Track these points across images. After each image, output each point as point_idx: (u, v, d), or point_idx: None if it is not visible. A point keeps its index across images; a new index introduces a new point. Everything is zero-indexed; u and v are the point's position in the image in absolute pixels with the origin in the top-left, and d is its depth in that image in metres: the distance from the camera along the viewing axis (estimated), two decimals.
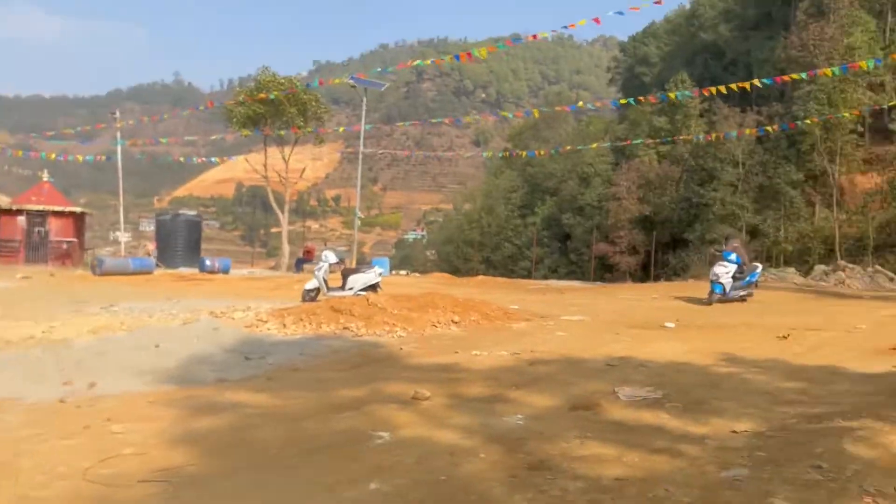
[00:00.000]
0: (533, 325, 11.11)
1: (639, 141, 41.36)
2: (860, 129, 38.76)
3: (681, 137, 38.43)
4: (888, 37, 41.61)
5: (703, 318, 11.94)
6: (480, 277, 32.06)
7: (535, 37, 35.52)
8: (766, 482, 3.77)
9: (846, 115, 31.77)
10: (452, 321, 10.62)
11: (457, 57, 39.25)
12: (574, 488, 3.67)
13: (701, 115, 43.69)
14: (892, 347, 8.41)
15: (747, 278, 14.68)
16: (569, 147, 46.27)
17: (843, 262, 27.78)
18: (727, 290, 14.10)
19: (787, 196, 36.75)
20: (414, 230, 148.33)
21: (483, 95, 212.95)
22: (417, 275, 38.20)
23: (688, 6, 72.33)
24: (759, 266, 15.56)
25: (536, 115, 60.79)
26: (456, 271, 45.60)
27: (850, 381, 6.54)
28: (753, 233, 37.65)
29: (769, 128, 32.91)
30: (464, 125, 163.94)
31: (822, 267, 27.51)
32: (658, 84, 55.37)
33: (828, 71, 24.48)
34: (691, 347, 8.85)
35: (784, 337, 9.54)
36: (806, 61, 36.64)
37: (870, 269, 27.25)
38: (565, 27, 29.96)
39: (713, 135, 34.57)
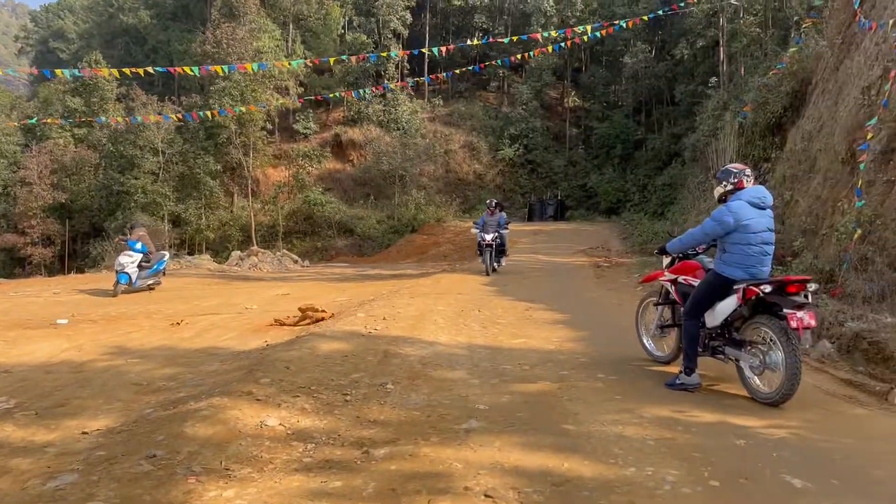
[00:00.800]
0: None
1: (54, 121, 37.48)
2: (270, 126, 42.68)
3: (104, 119, 36.13)
4: (290, 46, 46.60)
5: (102, 311, 11.26)
6: None
7: None
8: (93, 484, 3.52)
9: (251, 110, 34.23)
10: None
11: None
12: None
13: (119, 100, 42.01)
14: (270, 324, 9.23)
15: (154, 266, 14.50)
16: None
17: (256, 248, 30.10)
18: (133, 279, 13.68)
19: (207, 186, 38.14)
20: None
21: None
22: None
23: None
24: (166, 254, 15.57)
25: None
26: None
27: (221, 360, 6.84)
28: (176, 221, 38.04)
29: (177, 116, 33.29)
30: None
31: (239, 252, 29.25)
32: (76, 62, 51.21)
33: (249, 66, 26.03)
34: (76, 344, 8.16)
35: (177, 323, 9.61)
36: (220, 57, 38.39)
37: (279, 253, 30.20)
38: None
39: (148, 119, 33.40)
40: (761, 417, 4.75)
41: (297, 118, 46.55)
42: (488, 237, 15.70)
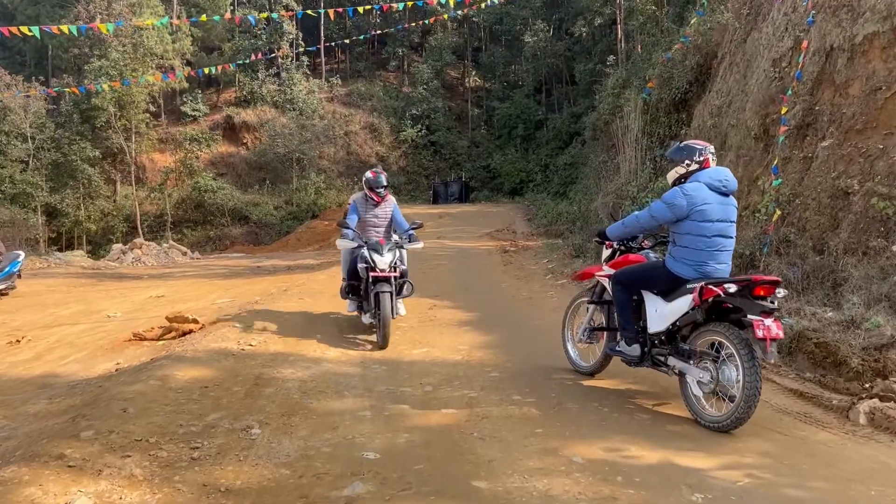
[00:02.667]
0: None
1: None
2: (154, 108, 39.79)
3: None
4: (174, 24, 43.57)
5: None
6: None
7: None
8: None
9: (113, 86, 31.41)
10: None
11: None
12: None
13: None
14: (129, 339, 7.83)
15: (6, 269, 12.62)
16: None
17: (140, 240, 27.78)
18: None
19: (84, 174, 35.11)
20: None
21: None
22: None
23: None
24: (21, 254, 13.61)
25: None
26: None
27: (50, 396, 5.47)
28: (52, 213, 34.91)
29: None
30: None
31: (120, 246, 26.90)
32: None
33: (103, 26, 23.43)
34: None
35: (17, 341, 8.06)
36: (94, 35, 35.41)
37: (165, 245, 28.02)
38: None
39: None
40: (711, 453, 3.90)
41: (185, 99, 43.68)
42: (383, 262, 7.09)
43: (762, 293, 4.25)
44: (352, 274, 7.49)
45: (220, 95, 46.36)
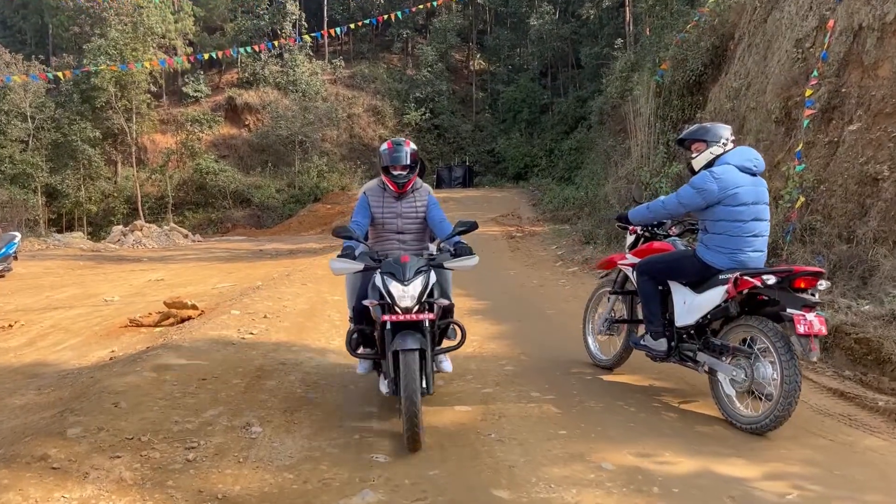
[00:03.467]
0: None
1: None
2: (155, 89, 39.33)
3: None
4: (177, 1, 42.99)
5: None
6: None
7: None
8: None
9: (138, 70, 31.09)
10: None
11: None
12: None
13: None
14: (125, 325, 7.52)
15: (2, 251, 12.32)
16: None
17: (140, 222, 27.47)
18: None
19: (85, 154, 34.69)
20: None
21: None
22: None
23: None
24: (17, 235, 13.29)
25: None
26: None
27: (39, 387, 5.16)
28: (52, 194, 34.57)
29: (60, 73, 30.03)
30: None
31: (121, 228, 26.60)
32: None
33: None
34: None
35: (9, 326, 7.76)
36: (95, 13, 35.04)
37: (166, 227, 27.70)
38: None
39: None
40: (752, 460, 3.57)
41: (187, 80, 43.15)
42: (408, 295, 3.93)
43: (803, 285, 3.91)
44: (361, 314, 4.30)
45: (221, 76, 45.82)
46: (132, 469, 3.47)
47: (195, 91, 42.53)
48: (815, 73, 8.85)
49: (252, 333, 6.37)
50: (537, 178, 34.45)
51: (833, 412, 4.29)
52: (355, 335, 4.28)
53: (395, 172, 4.56)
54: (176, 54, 39.90)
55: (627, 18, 34.48)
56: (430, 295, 4.00)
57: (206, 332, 6.31)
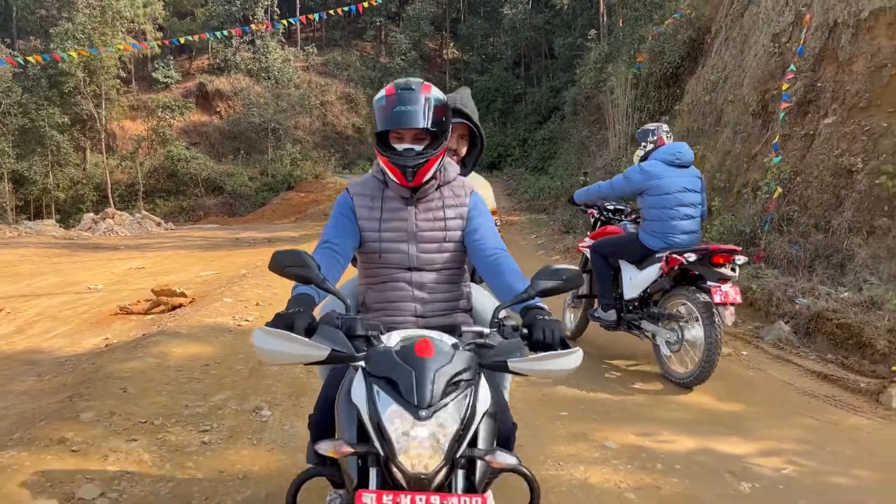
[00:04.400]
0: None
1: None
2: (124, 74, 38.71)
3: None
4: None
5: None
6: None
7: None
8: None
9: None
10: None
11: None
12: None
13: None
14: (115, 313, 7.52)
15: None
16: None
17: (112, 210, 27.13)
18: None
19: (53, 140, 34.08)
20: None
21: None
22: None
23: None
24: None
25: None
26: None
27: (39, 374, 5.19)
28: (19, 181, 33.92)
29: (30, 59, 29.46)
30: None
31: (92, 215, 26.22)
32: None
33: None
34: None
35: None
36: None
37: (138, 214, 27.38)
38: None
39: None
40: (747, 437, 3.77)
41: (157, 66, 42.55)
42: (426, 441, 1.61)
43: (721, 261, 4.55)
44: (324, 431, 2.22)
45: (192, 62, 45.25)
46: (150, 451, 3.54)
47: (165, 77, 41.98)
48: (792, 67, 9.10)
49: (248, 321, 6.43)
50: (511, 168, 34.67)
51: (818, 394, 4.52)
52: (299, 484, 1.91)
53: (400, 147, 2.21)
54: (145, 39, 39.31)
55: (601, 9, 34.72)
56: (473, 438, 1.78)
57: (202, 319, 6.36)
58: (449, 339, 1.91)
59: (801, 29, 9.39)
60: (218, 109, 41.96)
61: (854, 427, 3.95)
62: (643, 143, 5.28)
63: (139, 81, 42.51)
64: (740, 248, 4.71)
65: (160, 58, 42.19)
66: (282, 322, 1.85)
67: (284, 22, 27.51)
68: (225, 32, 22.79)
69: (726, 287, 4.43)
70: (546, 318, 1.98)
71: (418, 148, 2.22)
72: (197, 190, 35.88)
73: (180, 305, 7.48)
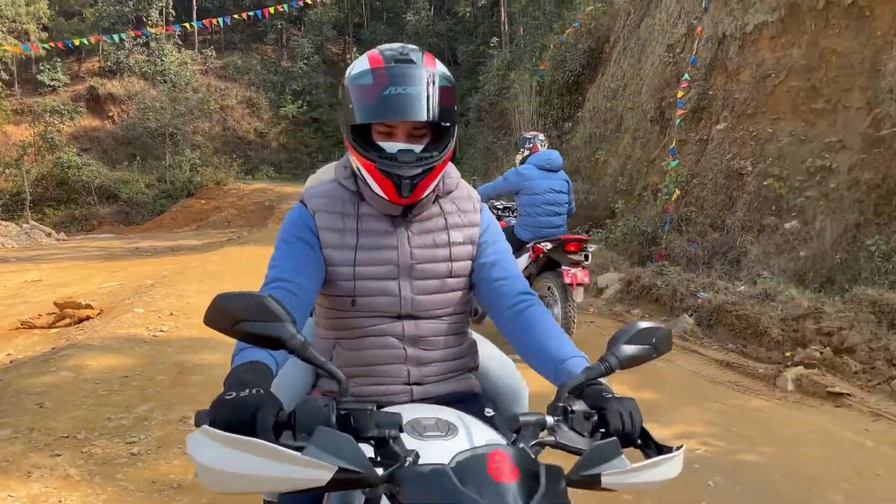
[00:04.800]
0: None
1: None
2: (6, 77, 36.51)
3: None
4: None
5: None
6: None
7: None
8: None
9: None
10: None
11: None
12: None
13: None
14: (15, 327, 7.15)
15: None
16: None
17: None
18: None
19: None
20: None
21: None
22: None
23: None
24: None
25: None
26: None
27: None
28: None
29: None
30: None
31: None
32: None
33: None
34: None
35: None
36: None
37: (26, 225, 25.89)
38: None
39: None
40: (660, 422, 4.05)
41: (42, 67, 40.26)
42: None
43: (573, 248, 5.29)
44: None
45: (81, 64, 43.09)
46: (76, 465, 3.44)
47: (52, 80, 39.80)
48: (686, 76, 9.67)
49: (162, 331, 6.26)
50: None
51: (722, 380, 4.87)
52: None
53: (391, 147, 1.54)
54: (29, 39, 37.22)
55: (502, 18, 35.49)
56: None
57: (114, 330, 6.15)
58: (502, 435, 1.33)
59: (693, 40, 10.00)
60: (111, 114, 40.14)
61: (755, 409, 4.29)
62: (521, 149, 5.96)
63: (23, 84, 40.09)
64: (589, 237, 5.54)
65: (46, 59, 39.96)
66: (233, 415, 1.07)
67: (187, 25, 26.70)
68: (123, 35, 21.89)
69: (575, 270, 5.18)
70: (616, 396, 1.31)
71: (417, 149, 1.52)
72: (90, 198, 34.18)
73: (87, 318, 7.19)
